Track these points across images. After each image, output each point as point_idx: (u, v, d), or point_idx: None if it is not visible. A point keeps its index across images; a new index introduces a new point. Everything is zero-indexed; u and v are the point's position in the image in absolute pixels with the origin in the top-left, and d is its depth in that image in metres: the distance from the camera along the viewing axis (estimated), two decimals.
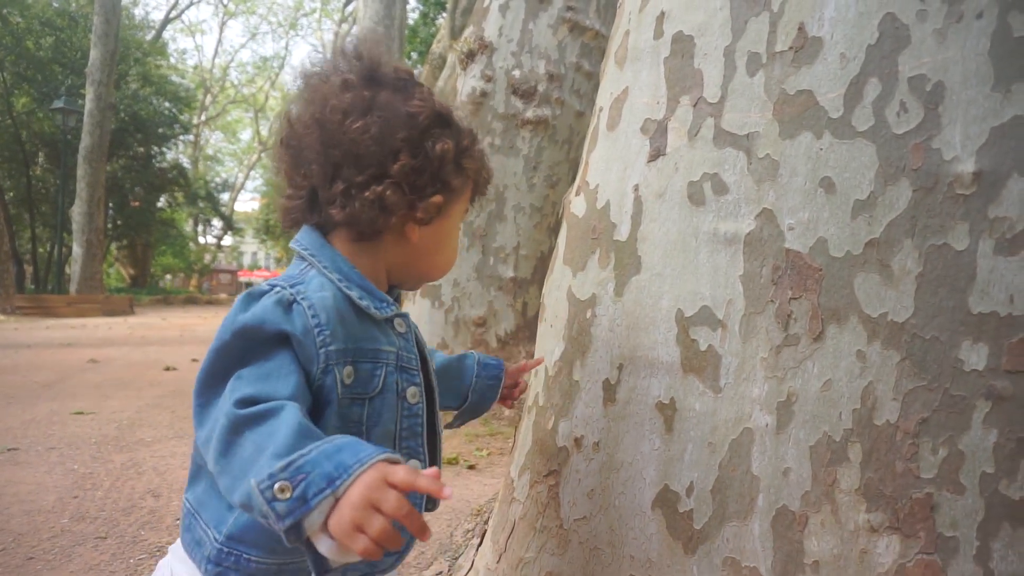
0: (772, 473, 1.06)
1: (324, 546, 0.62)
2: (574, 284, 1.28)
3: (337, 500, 0.60)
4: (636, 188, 1.19)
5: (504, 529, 1.36)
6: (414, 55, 22.14)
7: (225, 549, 0.76)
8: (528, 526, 1.29)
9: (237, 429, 0.66)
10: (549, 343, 1.33)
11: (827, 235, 1.01)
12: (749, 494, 1.07)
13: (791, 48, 1.04)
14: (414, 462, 0.85)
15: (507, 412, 4.15)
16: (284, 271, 0.86)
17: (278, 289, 0.77)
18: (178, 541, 0.83)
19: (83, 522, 2.33)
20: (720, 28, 1.11)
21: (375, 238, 0.83)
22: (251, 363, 0.72)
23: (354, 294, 0.81)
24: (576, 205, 1.32)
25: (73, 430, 3.64)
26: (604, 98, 1.32)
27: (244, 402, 0.68)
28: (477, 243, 4.15)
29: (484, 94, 4.12)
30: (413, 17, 20.36)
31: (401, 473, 0.62)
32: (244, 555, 0.76)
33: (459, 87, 4.30)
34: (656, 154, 1.17)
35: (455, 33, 15.62)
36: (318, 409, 0.77)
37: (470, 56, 4.17)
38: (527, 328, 4.28)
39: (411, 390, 0.86)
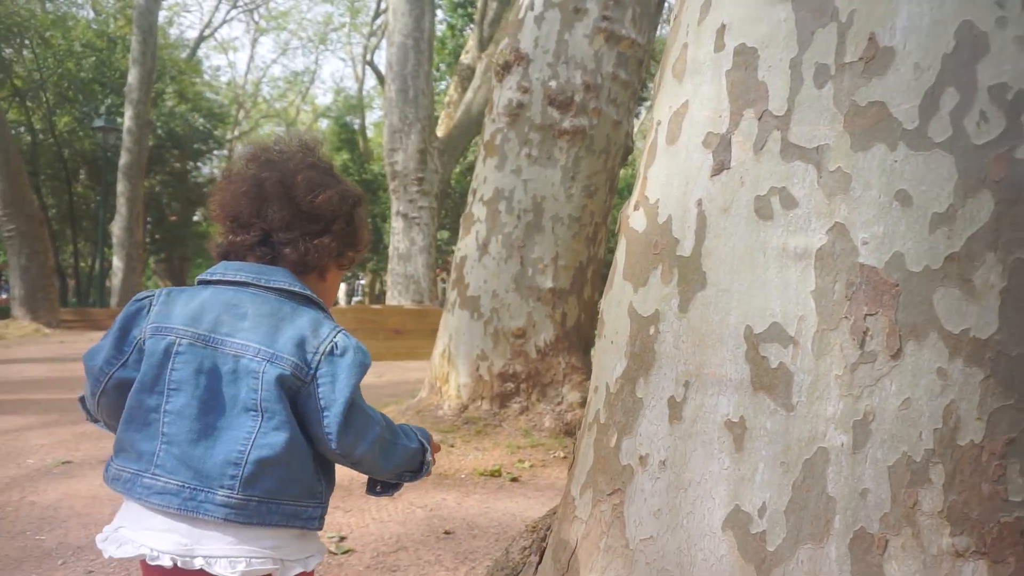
0: (849, 494, 1.03)
1: (420, 477, 1.20)
2: (635, 300, 1.27)
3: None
4: (699, 203, 1.18)
5: (566, 548, 1.34)
6: (442, 66, 22.33)
7: (325, 505, 1.10)
8: (592, 545, 1.27)
9: (384, 433, 1.10)
10: (610, 359, 1.32)
11: (904, 249, 0.99)
12: (825, 516, 1.05)
13: (861, 59, 1.02)
14: None
15: (547, 423, 4.14)
16: (298, 307, 1.09)
17: (348, 334, 1.09)
18: (223, 536, 1.02)
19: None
20: (785, 40, 1.10)
21: (308, 274, 1.13)
22: (359, 388, 1.07)
23: None
24: (635, 220, 1.31)
25: None
26: (662, 112, 1.31)
27: (379, 417, 1.10)
28: (515, 254, 4.15)
29: (521, 105, 4.13)
30: (440, 29, 20.56)
31: (435, 438, 1.26)
32: (328, 506, 1.12)
33: (495, 99, 4.32)
34: (720, 168, 1.16)
35: (483, 44, 15.73)
36: None
37: (506, 68, 4.19)
38: (566, 339, 4.26)
39: None
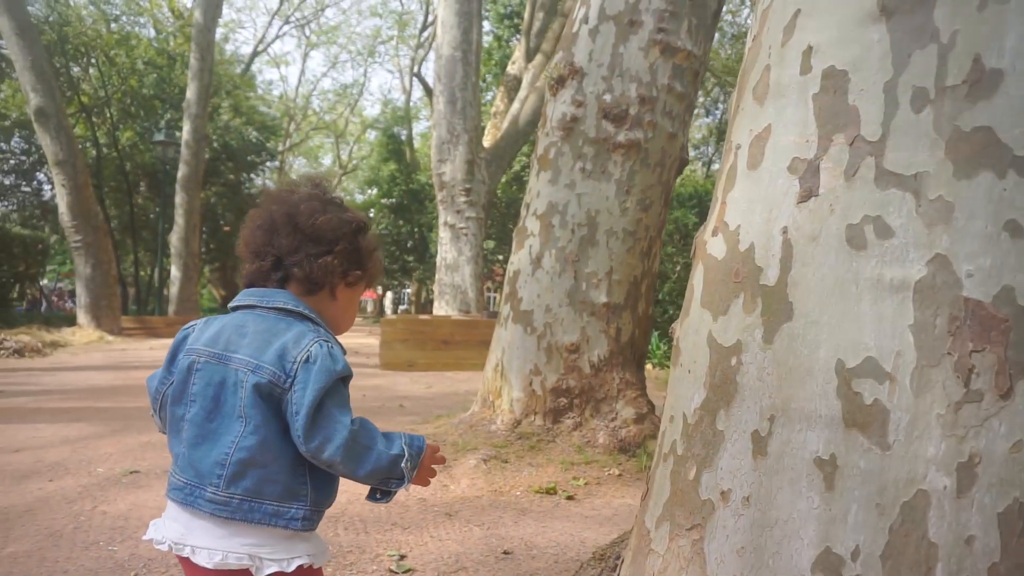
0: (953, 541, 0.98)
1: (405, 485, 1.19)
2: (715, 329, 1.23)
3: (421, 465, 1.20)
4: (784, 231, 1.14)
5: None
6: (488, 77, 22.48)
7: (312, 508, 1.17)
8: None
9: (355, 437, 1.12)
10: (687, 389, 1.29)
11: (1014, 283, 0.93)
12: (926, 562, 0.99)
13: (965, 82, 0.97)
14: None
15: (601, 439, 4.08)
16: (286, 322, 1.21)
17: (332, 344, 1.17)
18: (210, 529, 1.14)
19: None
20: (879, 62, 1.05)
21: (315, 292, 1.24)
22: (339, 394, 1.15)
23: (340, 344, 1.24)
24: (714, 246, 1.28)
25: None
26: (741, 135, 1.27)
27: (352, 421, 1.13)
28: (569, 268, 4.13)
29: (575, 119, 4.11)
30: (487, 40, 20.71)
31: (439, 451, 1.25)
32: (319, 508, 1.20)
33: (548, 113, 4.31)
34: (808, 195, 1.12)
35: (530, 55, 15.78)
36: None
37: (560, 82, 4.17)
38: (620, 354, 4.21)
39: None
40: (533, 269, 4.23)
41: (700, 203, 9.70)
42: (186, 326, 1.28)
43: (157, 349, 11.04)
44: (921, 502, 1.00)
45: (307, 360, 1.12)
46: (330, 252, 1.23)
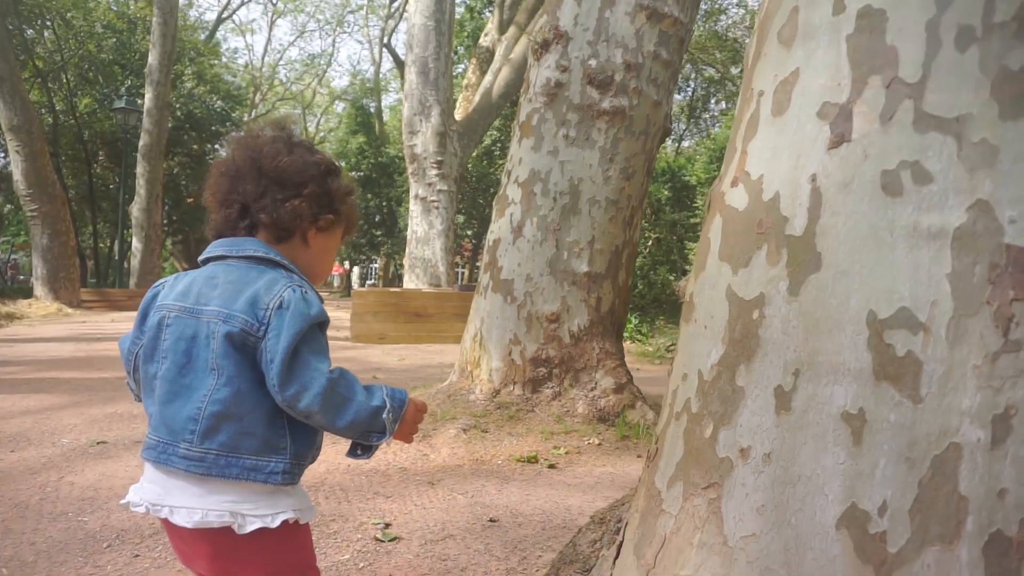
0: (984, 494, 0.95)
1: (386, 439, 1.15)
2: (735, 282, 1.19)
3: (403, 418, 1.16)
4: (813, 178, 1.09)
5: (651, 543, 1.28)
6: (460, 49, 22.14)
7: (293, 460, 1.13)
8: (683, 541, 1.20)
9: (333, 386, 1.08)
10: (702, 345, 1.24)
11: None
12: (956, 516, 0.97)
13: (1015, 18, 0.93)
14: None
15: (580, 409, 4.07)
16: (257, 269, 1.16)
17: (306, 289, 1.13)
18: (186, 488, 1.10)
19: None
20: (920, 0, 1.00)
21: (288, 239, 1.20)
22: (315, 340, 1.10)
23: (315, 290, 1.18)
24: (734, 197, 1.23)
25: None
26: (764, 81, 1.22)
27: (330, 369, 1.08)
28: (551, 237, 4.07)
29: (559, 84, 4.03)
30: (459, 11, 20.36)
31: (421, 403, 1.20)
32: (301, 462, 1.15)
33: (531, 78, 4.22)
34: (839, 140, 1.07)
35: (503, 27, 15.55)
36: None
37: (544, 46, 4.08)
38: (600, 324, 4.19)
39: None
40: (514, 238, 4.17)
41: (672, 178, 9.72)
42: (156, 284, 1.22)
43: (119, 321, 10.75)
44: (953, 455, 0.97)
45: (280, 306, 1.08)
46: (298, 195, 1.17)
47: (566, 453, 3.51)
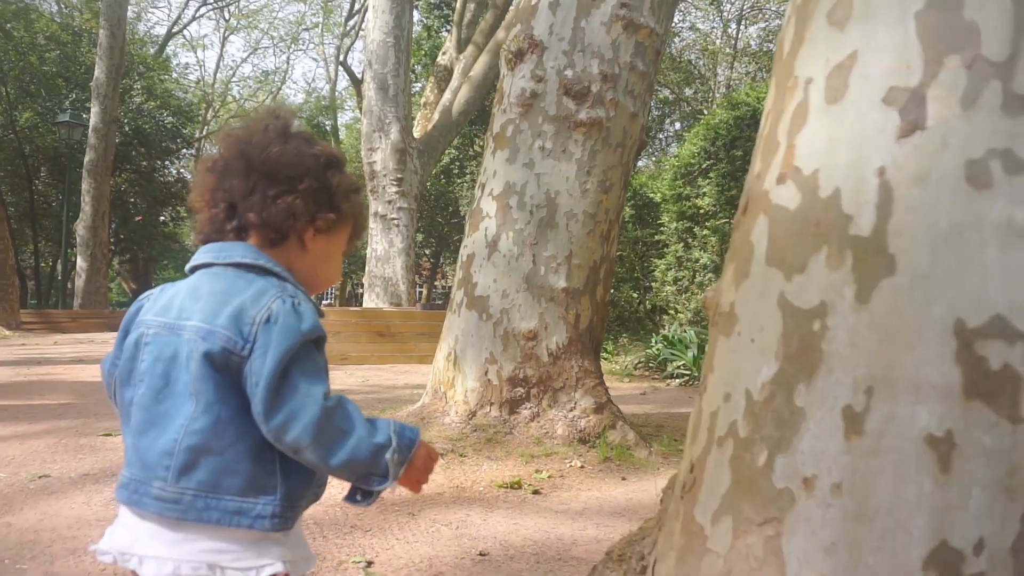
0: None
1: (389, 484, 0.96)
2: (789, 290, 1.06)
3: (411, 461, 0.97)
4: (881, 171, 0.97)
5: None
6: (417, 67, 22.05)
7: (284, 503, 0.96)
8: None
9: (328, 417, 0.91)
10: (750, 361, 1.11)
11: None
12: None
13: None
14: None
15: (559, 431, 3.92)
16: (242, 278, 0.99)
17: (299, 300, 0.97)
18: (159, 534, 0.94)
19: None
20: None
21: (282, 243, 1.04)
22: (309, 361, 0.94)
23: (313, 302, 1.02)
24: (782, 195, 1.10)
25: (105, 454, 3.40)
26: (813, 67, 1.10)
27: (325, 396, 0.92)
28: (527, 251, 3.93)
29: (534, 95, 3.91)
30: (416, 30, 20.27)
31: (434, 451, 1.02)
32: (295, 503, 0.99)
33: (505, 88, 4.10)
34: (911, 128, 0.95)
35: (461, 46, 15.52)
36: None
37: (519, 55, 3.97)
38: (579, 341, 4.05)
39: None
40: (489, 252, 4.02)
41: (634, 195, 9.72)
42: (141, 296, 1.07)
43: (62, 344, 10.21)
44: None
45: (267, 320, 0.93)
46: (292, 191, 1.02)
47: (549, 477, 3.35)
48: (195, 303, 0.97)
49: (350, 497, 1.02)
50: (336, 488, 1.12)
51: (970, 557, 0.88)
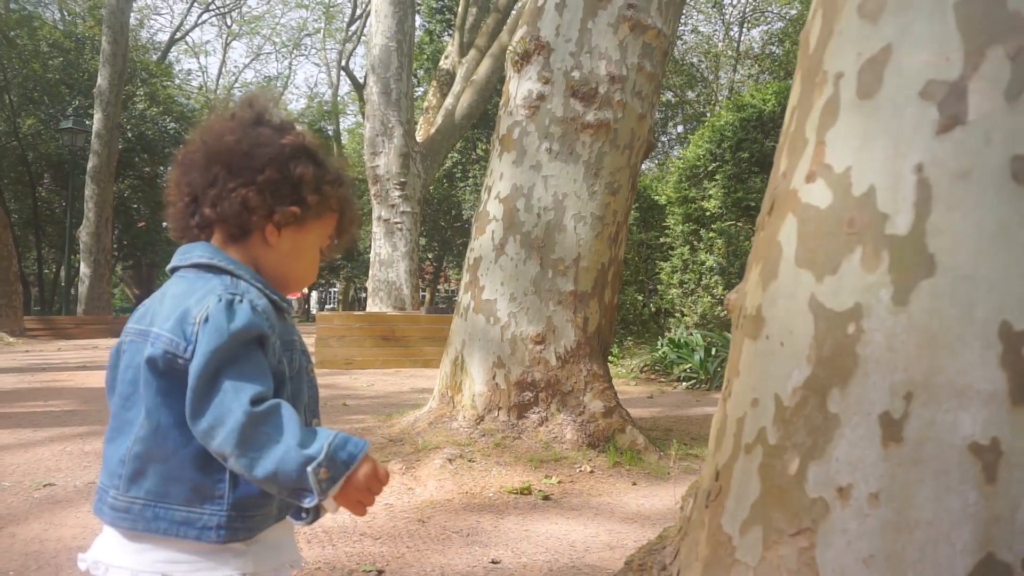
0: None
1: (329, 506, 0.87)
2: (821, 292, 1.02)
3: (350, 478, 0.87)
4: (919, 168, 0.94)
5: None
6: (420, 72, 22.06)
7: (233, 511, 0.92)
8: None
9: (255, 422, 0.85)
10: (779, 365, 1.07)
11: None
12: None
13: None
14: (316, 420, 1.06)
15: (568, 435, 3.87)
16: (194, 280, 0.97)
17: (240, 298, 0.92)
18: (120, 543, 0.93)
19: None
20: None
21: (243, 238, 1.00)
22: (244, 362, 0.88)
23: (275, 297, 1.00)
24: (812, 194, 1.07)
25: None
26: (842, 61, 1.06)
27: (255, 400, 0.86)
28: (535, 255, 3.90)
29: (541, 97, 3.88)
30: (418, 34, 20.29)
31: (383, 469, 0.90)
32: (247, 512, 0.93)
33: (511, 90, 4.07)
34: (952, 123, 0.92)
35: (463, 50, 15.51)
36: (275, 388, 0.93)
37: (525, 58, 3.94)
38: (588, 345, 4.01)
39: (310, 367, 1.06)
40: (496, 256, 3.98)
41: (639, 197, 9.69)
42: (145, 302, 1.04)
43: (66, 350, 10.19)
44: None
45: (205, 320, 0.89)
46: (250, 183, 0.96)
47: (559, 482, 3.31)
48: (160, 308, 0.95)
49: (295, 515, 0.98)
50: None
51: (1019, 571, 0.84)
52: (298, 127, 1.06)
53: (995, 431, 0.87)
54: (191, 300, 0.92)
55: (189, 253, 0.99)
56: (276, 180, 0.97)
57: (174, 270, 1.01)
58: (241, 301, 0.92)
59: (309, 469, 0.84)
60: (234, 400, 0.85)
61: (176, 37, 29.16)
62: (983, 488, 0.87)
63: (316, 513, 0.92)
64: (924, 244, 0.92)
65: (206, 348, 0.87)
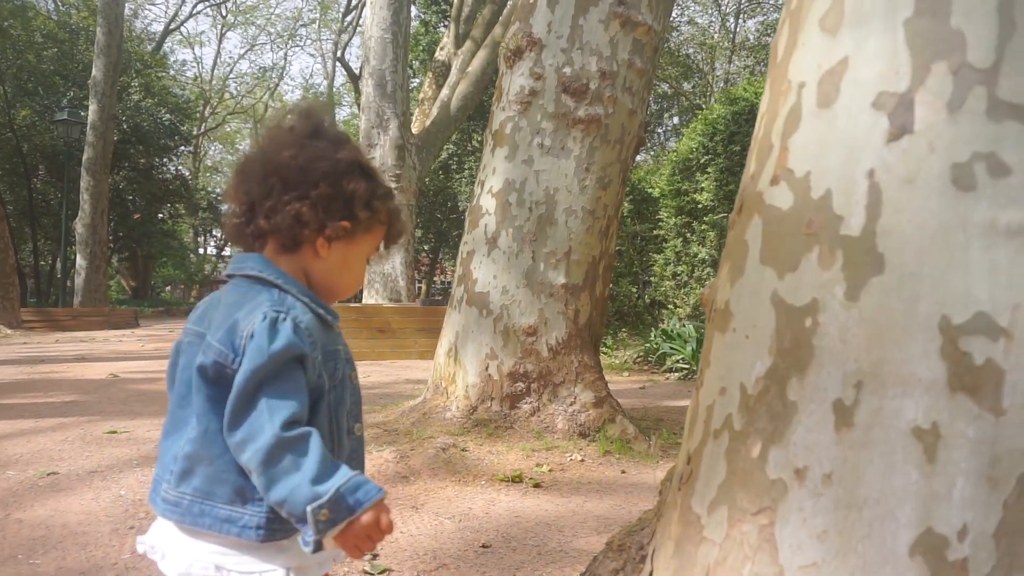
0: None
1: (328, 544, 0.91)
2: (782, 288, 1.10)
3: (351, 524, 0.90)
4: (871, 173, 1.01)
5: (691, 575, 1.17)
6: (415, 63, 22.03)
7: (272, 513, 0.96)
8: (731, 572, 1.10)
9: (282, 447, 0.89)
10: (745, 356, 1.15)
11: None
12: None
13: None
14: (358, 425, 1.10)
15: (559, 424, 3.96)
16: (246, 291, 1.02)
17: (283, 316, 0.96)
18: (165, 532, 1.02)
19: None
20: None
21: (295, 249, 1.04)
22: (283, 381, 0.93)
23: (321, 311, 1.03)
24: (775, 196, 1.14)
25: (111, 451, 3.44)
26: (805, 72, 1.14)
27: (287, 424, 0.90)
28: (527, 248, 3.97)
29: (533, 92, 3.94)
30: (413, 25, 20.24)
31: (387, 519, 0.93)
32: (275, 514, 0.97)
33: (503, 86, 4.13)
34: (900, 132, 0.99)
35: (459, 41, 15.50)
36: (315, 400, 0.99)
37: (517, 53, 4.00)
38: (579, 336, 4.09)
39: (353, 374, 1.10)
40: (489, 249, 4.06)
41: (633, 190, 9.75)
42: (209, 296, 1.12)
43: (63, 342, 10.24)
44: None
45: (251, 335, 0.94)
46: (304, 197, 1.00)
47: (549, 471, 3.40)
48: (215, 314, 1.00)
49: (303, 538, 0.95)
50: None
51: (954, 543, 0.92)
52: (352, 141, 1.10)
53: (935, 416, 0.94)
54: (240, 312, 0.96)
55: (243, 263, 1.04)
56: (329, 195, 1.01)
57: (230, 276, 1.06)
58: (285, 319, 0.95)
59: (309, 508, 0.87)
60: (268, 421, 0.90)
61: (171, 27, 29.05)
62: (924, 468, 0.95)
63: (317, 546, 0.91)
64: (874, 244, 1.00)
65: (248, 367, 0.92)
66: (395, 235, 1.12)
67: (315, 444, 0.91)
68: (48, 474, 3.04)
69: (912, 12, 1.00)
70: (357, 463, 1.09)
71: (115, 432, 3.89)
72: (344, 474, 0.91)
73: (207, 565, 0.97)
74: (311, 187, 1.00)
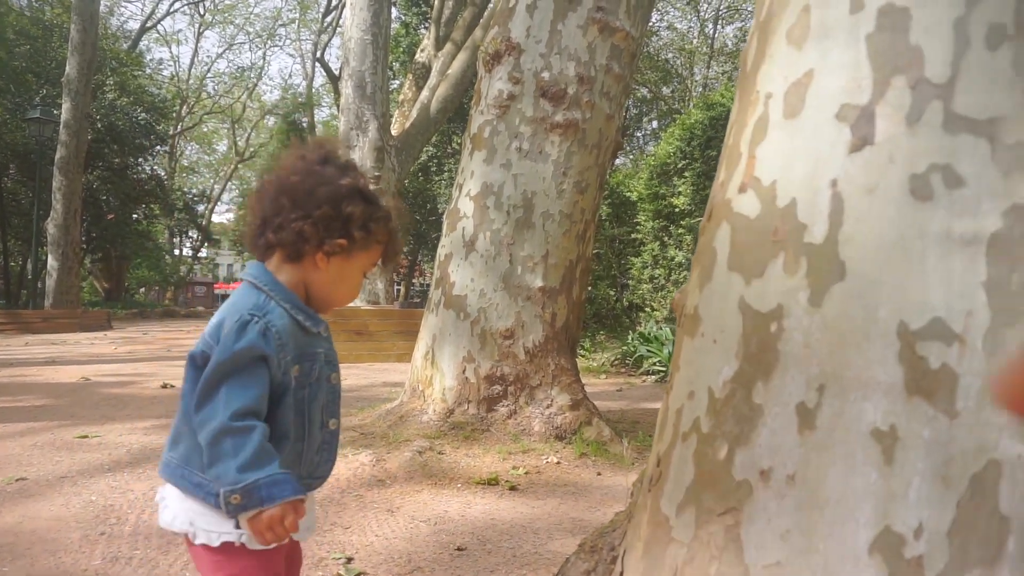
0: None
1: (243, 523, 1.05)
2: (748, 294, 1.12)
3: (259, 513, 1.03)
4: (833, 183, 1.04)
5: (659, 574, 1.19)
6: (395, 65, 21.98)
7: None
8: (698, 572, 1.12)
9: (226, 432, 1.03)
10: (712, 360, 1.17)
11: None
12: (997, 537, 0.92)
13: None
14: (333, 421, 1.22)
15: (536, 427, 3.98)
16: (241, 295, 1.15)
17: (256, 319, 1.09)
18: (168, 487, 1.16)
19: (117, 564, 2.11)
20: None
21: (297, 260, 1.17)
22: (243, 376, 1.06)
23: (300, 318, 1.16)
24: (743, 204, 1.17)
25: (82, 456, 3.40)
26: (773, 83, 1.17)
27: (237, 414, 1.04)
28: (504, 251, 3.99)
29: (512, 97, 3.97)
30: (394, 27, 20.19)
31: (292, 519, 1.04)
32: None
33: (482, 90, 4.14)
34: (861, 144, 1.02)
35: (439, 43, 15.50)
36: (280, 394, 1.12)
37: (496, 58, 4.02)
38: (556, 339, 4.12)
39: (333, 375, 1.22)
40: (466, 252, 4.07)
41: (612, 194, 9.82)
42: None
43: (34, 345, 10.06)
44: (992, 473, 0.92)
45: (227, 333, 1.10)
46: (307, 217, 1.14)
47: (526, 473, 3.41)
48: (218, 311, 1.16)
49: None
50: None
51: (911, 541, 0.95)
52: (359, 169, 1.24)
53: (893, 419, 0.97)
54: (230, 310, 1.11)
55: (248, 271, 1.19)
56: (330, 216, 1.14)
57: (241, 280, 1.21)
58: (257, 322, 1.09)
59: (223, 490, 1.03)
60: (222, 409, 1.04)
61: (147, 25, 28.68)
62: (882, 469, 0.98)
63: (235, 520, 1.08)
64: (836, 252, 1.03)
65: (214, 359, 1.06)
66: (392, 254, 1.25)
67: (256, 438, 1.03)
68: (17, 480, 3.00)
69: (874, 27, 1.03)
70: (328, 454, 1.21)
71: (86, 437, 3.83)
72: (269, 471, 1.03)
73: (184, 521, 1.12)
74: (314, 208, 1.13)
